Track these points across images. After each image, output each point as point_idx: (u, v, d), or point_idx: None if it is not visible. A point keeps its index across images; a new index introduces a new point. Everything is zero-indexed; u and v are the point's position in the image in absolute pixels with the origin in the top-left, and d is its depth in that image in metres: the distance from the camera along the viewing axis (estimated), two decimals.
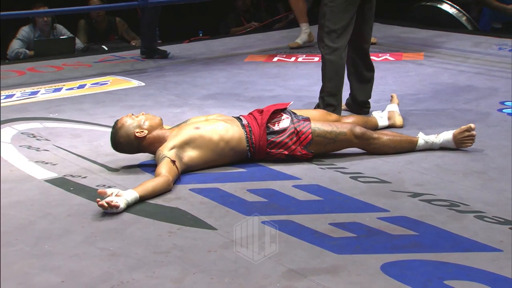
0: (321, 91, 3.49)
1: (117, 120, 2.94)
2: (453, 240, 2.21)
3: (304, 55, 5.55)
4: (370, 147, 2.99)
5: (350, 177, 2.78)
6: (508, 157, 2.96)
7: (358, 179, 2.76)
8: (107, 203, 2.39)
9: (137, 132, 2.86)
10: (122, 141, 2.88)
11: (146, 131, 2.86)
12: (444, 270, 2.01)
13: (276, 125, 2.94)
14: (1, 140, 3.38)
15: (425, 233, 2.26)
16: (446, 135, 3.04)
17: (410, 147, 3.04)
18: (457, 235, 2.23)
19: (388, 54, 5.45)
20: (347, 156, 3.01)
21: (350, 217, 2.40)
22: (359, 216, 2.40)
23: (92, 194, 2.62)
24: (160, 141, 2.85)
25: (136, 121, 2.89)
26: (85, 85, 4.73)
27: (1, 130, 3.56)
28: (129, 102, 4.19)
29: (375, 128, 3.34)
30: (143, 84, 4.68)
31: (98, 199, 2.41)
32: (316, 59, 5.43)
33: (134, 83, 4.74)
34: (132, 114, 2.95)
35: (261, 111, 3.00)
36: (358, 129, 2.97)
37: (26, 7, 5.81)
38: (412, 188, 2.65)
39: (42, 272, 2.02)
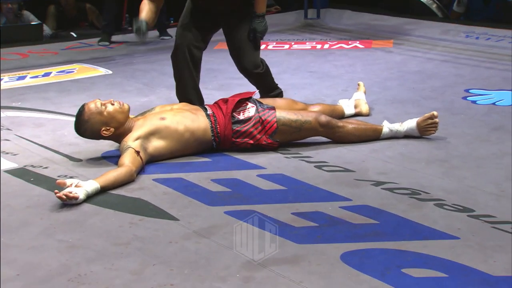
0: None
1: (83, 108, 2.79)
2: (412, 228, 2.23)
3: (274, 43, 5.53)
4: (335, 135, 3.00)
5: (315, 166, 2.79)
6: (470, 145, 2.99)
7: (323, 168, 2.77)
8: (65, 194, 2.36)
9: (103, 131, 2.78)
10: (87, 134, 2.83)
11: (112, 129, 2.78)
12: (403, 258, 2.03)
13: (241, 114, 2.93)
14: None
15: (385, 221, 2.28)
16: (410, 123, 3.06)
17: (375, 136, 3.05)
18: (417, 223, 2.25)
19: (358, 42, 5.47)
20: (312, 145, 3.01)
21: (313, 206, 2.41)
22: (321, 206, 2.41)
23: (52, 185, 2.58)
24: (126, 132, 2.80)
25: (103, 117, 2.76)
26: (51, 73, 4.66)
27: None
28: (95, 90, 4.14)
29: (342, 116, 3.35)
30: (110, 72, 4.63)
31: (56, 191, 2.37)
32: (287, 46, 5.42)
33: (101, 71, 4.68)
34: (99, 100, 2.81)
35: (226, 100, 2.99)
36: (323, 118, 2.97)
37: None
38: (375, 176, 2.66)
39: None
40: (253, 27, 3.25)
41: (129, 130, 2.81)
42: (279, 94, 3.48)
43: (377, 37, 5.62)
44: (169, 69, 3.45)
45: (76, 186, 2.43)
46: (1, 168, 2.80)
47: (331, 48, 5.33)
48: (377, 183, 2.60)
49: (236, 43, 3.31)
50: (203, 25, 3.32)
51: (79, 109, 2.83)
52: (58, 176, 2.68)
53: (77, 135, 2.89)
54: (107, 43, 5.62)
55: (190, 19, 3.31)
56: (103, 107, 2.78)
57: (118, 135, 2.81)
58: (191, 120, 2.85)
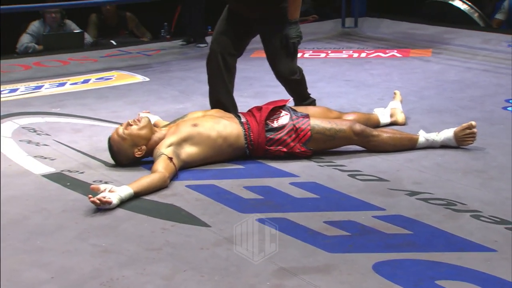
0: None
1: (109, 142, 2.86)
2: (447, 239, 2.18)
3: (311, 51, 5.52)
4: (370, 144, 2.97)
5: (348, 175, 2.77)
6: (509, 156, 2.92)
7: (356, 177, 2.75)
8: (99, 199, 2.39)
9: (136, 153, 2.84)
10: (125, 162, 2.89)
11: (144, 147, 2.84)
12: (436, 269, 1.99)
13: (275, 122, 2.93)
14: (1, 135, 3.40)
15: (419, 232, 2.24)
16: (447, 133, 3.01)
17: (410, 145, 3.01)
18: (452, 235, 2.21)
19: (395, 51, 5.41)
20: (346, 154, 2.99)
21: (345, 215, 2.39)
22: (354, 215, 2.38)
23: (88, 190, 2.61)
24: (157, 142, 2.83)
25: (128, 141, 2.82)
26: (90, 79, 4.74)
27: (1, 124, 3.58)
28: (132, 97, 4.20)
29: (377, 125, 3.32)
30: (147, 79, 4.69)
31: (90, 196, 2.41)
32: (323, 55, 5.41)
33: (138, 78, 4.74)
34: (120, 126, 2.86)
35: (260, 108, 2.99)
36: (358, 126, 2.95)
37: (36, 0, 5.84)
38: (409, 186, 2.63)
39: (32, 268, 2.03)
40: (285, 33, 3.25)
41: (161, 139, 2.84)
42: (312, 103, 3.46)
43: (415, 46, 5.55)
44: (205, 77, 3.48)
45: (110, 191, 2.46)
46: (40, 172, 2.86)
47: (368, 57, 5.29)
48: (412, 193, 2.56)
49: (271, 50, 3.32)
50: (239, 32, 3.33)
51: (108, 144, 2.89)
52: (94, 181, 2.72)
53: None
54: (205, 44, 5.66)
55: (225, 26, 3.33)
56: (125, 131, 2.82)
57: (151, 148, 2.84)
58: (223, 126, 2.87)
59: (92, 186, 2.49)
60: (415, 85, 4.25)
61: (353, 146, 3.01)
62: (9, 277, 1.98)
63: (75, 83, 4.64)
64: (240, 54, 3.41)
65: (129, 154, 2.85)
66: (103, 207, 2.41)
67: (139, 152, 2.84)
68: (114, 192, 2.45)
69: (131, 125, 2.83)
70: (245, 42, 3.41)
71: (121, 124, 2.92)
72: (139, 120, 2.85)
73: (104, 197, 2.41)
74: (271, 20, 3.27)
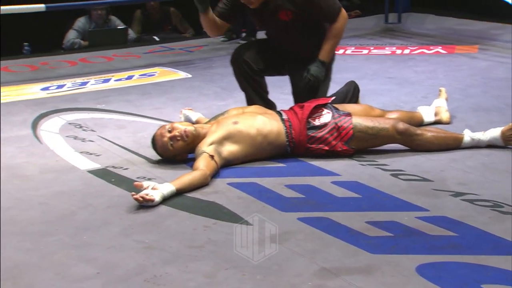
0: None
1: (155, 143, 2.89)
2: (494, 242, 2.14)
3: (353, 48, 5.47)
4: (413, 143, 2.93)
5: (391, 174, 2.73)
6: None
7: (399, 176, 2.71)
8: (141, 197, 2.42)
9: (177, 158, 2.91)
10: (164, 157, 2.94)
11: (184, 155, 2.90)
12: (483, 273, 1.95)
13: (317, 120, 2.92)
14: (49, 130, 3.49)
15: (465, 234, 2.20)
16: (494, 132, 2.95)
17: (455, 144, 2.96)
18: (499, 237, 2.16)
19: (440, 47, 5.32)
20: (389, 153, 2.95)
21: (388, 215, 2.36)
22: (397, 215, 2.36)
23: (132, 186, 2.65)
24: (199, 140, 2.86)
25: (171, 152, 2.86)
26: (133, 76, 4.81)
27: (49, 120, 3.67)
28: (175, 94, 4.24)
29: (420, 124, 3.27)
30: (189, 75, 4.73)
31: (133, 193, 2.45)
32: (365, 51, 5.35)
33: (181, 74, 4.79)
34: (167, 132, 2.85)
35: (302, 106, 2.98)
36: (401, 125, 2.91)
37: None
38: (454, 187, 2.58)
39: (79, 263, 2.07)
40: (308, 67, 3.18)
41: (202, 137, 2.86)
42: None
43: (461, 42, 5.44)
44: None
45: (152, 188, 2.49)
46: (86, 168, 2.92)
47: (411, 53, 5.21)
48: (457, 194, 2.51)
49: (295, 88, 3.31)
50: (268, 55, 3.31)
51: (151, 141, 2.93)
52: (137, 178, 2.77)
53: None
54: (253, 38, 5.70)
55: (259, 44, 3.34)
56: (171, 143, 2.84)
57: (194, 146, 2.86)
58: (263, 123, 2.87)
59: (135, 183, 2.52)
60: (461, 83, 4.17)
61: (396, 145, 2.97)
62: (58, 270, 2.03)
63: (119, 79, 4.71)
64: (262, 72, 3.33)
65: (171, 157, 2.92)
66: (145, 204, 2.44)
67: (179, 158, 2.91)
68: (157, 190, 2.48)
69: (178, 139, 2.83)
70: (271, 68, 3.34)
71: (167, 123, 2.93)
72: (187, 136, 2.83)
73: (147, 195, 2.44)
74: (306, 60, 3.23)
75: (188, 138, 2.83)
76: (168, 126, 2.89)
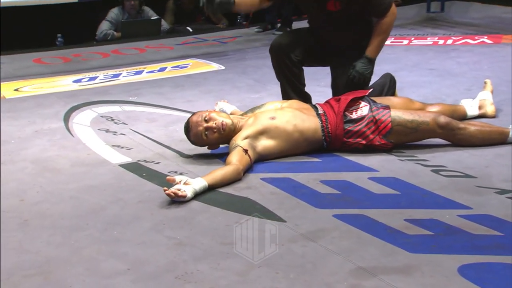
0: None
1: (189, 129, 2.89)
2: None
3: (392, 38, 5.39)
4: (456, 138, 2.87)
5: (432, 170, 2.69)
6: None
7: (440, 172, 2.66)
8: (174, 192, 2.43)
9: (209, 148, 2.93)
10: (195, 145, 2.95)
11: (218, 145, 2.91)
12: None
13: (354, 113, 2.88)
14: (81, 123, 3.53)
15: (510, 233, 2.15)
16: None
17: (500, 139, 2.89)
18: None
19: (486, 37, 5.20)
20: (430, 148, 2.90)
21: (428, 213, 2.32)
22: (438, 213, 2.31)
23: (163, 180, 2.67)
24: (234, 132, 2.86)
25: (205, 141, 2.87)
26: (166, 68, 4.84)
27: (82, 113, 3.72)
28: (208, 86, 4.25)
29: (463, 117, 3.20)
30: (223, 67, 4.73)
31: (166, 188, 2.45)
32: (406, 42, 5.27)
33: (214, 66, 4.80)
34: (202, 126, 2.84)
35: (338, 99, 2.95)
36: (443, 119, 2.85)
37: None
38: (499, 184, 2.52)
39: (109, 259, 2.09)
40: (354, 64, 3.13)
41: (238, 129, 2.85)
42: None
43: (508, 32, 5.30)
44: None
45: (185, 183, 2.49)
46: (117, 162, 2.94)
47: (454, 43, 5.11)
48: (502, 191, 2.45)
49: (336, 82, 3.26)
50: (310, 45, 3.28)
51: (185, 126, 2.93)
52: (169, 172, 2.78)
53: None
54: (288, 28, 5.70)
55: (299, 33, 3.30)
56: (206, 133, 2.84)
57: (228, 138, 2.86)
58: (301, 120, 2.85)
59: (168, 177, 2.53)
60: (507, 74, 4.07)
61: (437, 140, 2.92)
62: (88, 266, 2.05)
63: (152, 71, 4.74)
64: (301, 63, 3.29)
65: (202, 145, 2.93)
66: (177, 200, 2.45)
67: (211, 148, 2.92)
68: (189, 185, 2.49)
69: (214, 131, 2.83)
70: (311, 59, 3.32)
71: (203, 111, 2.91)
72: (223, 129, 2.82)
73: (180, 190, 2.44)
74: (350, 52, 3.18)
75: (225, 132, 2.83)
76: (205, 114, 2.86)
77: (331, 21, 3.18)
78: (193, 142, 2.94)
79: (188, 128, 2.91)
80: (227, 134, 2.84)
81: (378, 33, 3.12)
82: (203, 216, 2.37)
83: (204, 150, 3.04)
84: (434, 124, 2.84)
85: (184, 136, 3.03)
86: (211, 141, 2.87)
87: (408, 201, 2.43)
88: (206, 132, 2.84)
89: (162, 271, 2.02)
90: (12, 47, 5.70)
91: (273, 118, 2.84)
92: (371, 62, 3.13)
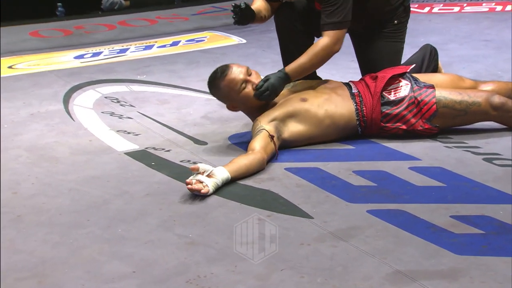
0: None
1: (227, 72, 2.87)
2: None
3: (441, 5, 5.33)
4: None
5: (484, 159, 2.67)
6: None
7: (494, 161, 2.64)
8: (197, 189, 2.43)
9: (229, 107, 2.95)
10: (216, 96, 2.96)
11: (238, 109, 2.94)
12: None
13: (393, 93, 2.86)
14: (82, 105, 3.57)
15: None
16: None
17: None
18: None
19: None
20: (481, 133, 2.89)
21: (478, 209, 2.31)
22: (490, 208, 2.30)
23: (175, 170, 2.70)
24: (254, 112, 2.87)
25: (235, 96, 2.87)
26: (179, 41, 4.86)
27: (84, 93, 3.76)
28: (227, 62, 4.18)
29: None
30: (244, 41, 4.73)
31: (189, 181, 2.45)
32: (457, 9, 5.20)
33: (234, 40, 4.80)
34: (242, 73, 2.86)
35: (375, 77, 2.93)
36: (497, 98, 2.83)
37: None
38: None
39: (112, 260, 2.11)
40: (269, 76, 2.93)
41: (265, 106, 2.86)
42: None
43: None
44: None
45: (208, 176, 2.48)
46: (123, 150, 2.98)
47: None
48: None
49: (369, 63, 3.21)
50: None
51: (221, 69, 2.90)
52: (181, 161, 2.80)
53: (203, 115, 2.98)
54: None
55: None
56: (243, 85, 2.85)
57: (247, 111, 2.91)
58: (334, 105, 2.86)
59: (192, 166, 2.49)
60: None
61: (491, 123, 2.90)
62: (88, 268, 2.07)
63: (163, 46, 4.77)
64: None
65: (224, 100, 2.92)
66: (198, 194, 2.45)
67: (231, 109, 2.95)
68: (212, 178, 2.48)
69: (253, 87, 2.85)
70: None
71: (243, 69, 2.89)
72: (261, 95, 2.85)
73: (203, 187, 2.43)
74: (372, 31, 3.16)
75: (257, 100, 2.86)
76: (249, 69, 2.90)
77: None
78: (217, 90, 2.90)
79: (225, 72, 2.88)
80: (257, 103, 2.85)
81: (308, 53, 2.98)
82: (219, 212, 2.38)
83: (221, 136, 3.04)
84: (487, 104, 2.81)
85: (199, 120, 3.05)
86: (241, 97, 2.86)
87: (456, 194, 2.42)
88: (244, 85, 2.85)
89: (171, 274, 2.03)
90: (5, 17, 5.75)
91: (304, 100, 2.85)
92: (287, 80, 2.98)
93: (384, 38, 3.19)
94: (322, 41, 2.98)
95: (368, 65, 3.19)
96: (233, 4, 3.11)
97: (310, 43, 3.23)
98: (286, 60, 3.22)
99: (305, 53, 2.98)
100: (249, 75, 2.87)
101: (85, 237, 2.26)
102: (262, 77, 2.92)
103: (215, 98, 3.02)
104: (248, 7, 3.12)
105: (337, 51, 3.01)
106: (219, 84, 2.88)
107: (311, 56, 2.96)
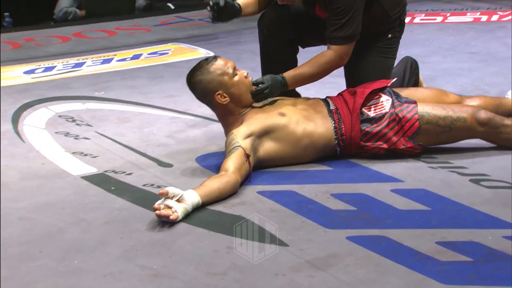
0: None
1: (215, 59, 2.91)
2: None
3: (423, 14, 5.42)
4: (500, 138, 2.91)
5: (470, 180, 2.70)
6: None
7: (481, 182, 2.68)
8: (165, 215, 2.42)
9: (217, 95, 2.88)
10: (198, 87, 2.92)
11: (228, 99, 2.89)
12: None
13: (373, 109, 2.90)
14: (34, 125, 3.55)
15: None
16: None
17: None
18: None
19: None
20: (468, 152, 2.93)
21: (465, 234, 2.33)
22: (478, 234, 2.32)
23: (137, 195, 2.70)
24: (234, 115, 2.89)
25: (226, 82, 2.87)
26: (141, 55, 4.87)
27: (35, 111, 3.73)
28: None
29: (511, 113, 3.21)
30: (211, 53, 4.75)
31: (156, 206, 2.44)
32: (440, 19, 5.29)
33: (200, 52, 4.83)
34: (233, 65, 2.92)
35: (353, 92, 2.96)
36: (483, 114, 2.88)
37: None
38: None
39: None
40: (270, 76, 3.01)
41: (239, 118, 2.89)
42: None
43: None
44: None
45: (177, 200, 2.48)
46: (79, 173, 2.97)
47: (501, 20, 5.14)
48: None
49: (358, 77, 3.23)
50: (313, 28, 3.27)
51: (210, 57, 2.93)
52: (144, 185, 2.80)
53: (168, 134, 2.98)
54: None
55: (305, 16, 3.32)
56: (235, 71, 2.90)
57: (229, 111, 2.90)
58: (314, 124, 2.89)
59: (161, 190, 2.47)
60: None
61: (477, 141, 2.94)
62: None
63: (123, 59, 4.77)
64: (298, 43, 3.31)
65: (212, 88, 2.88)
66: (164, 220, 2.45)
67: (220, 99, 2.88)
68: (182, 204, 2.47)
69: (246, 77, 2.92)
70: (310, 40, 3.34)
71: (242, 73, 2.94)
72: (246, 77, 2.90)
73: (173, 211, 2.43)
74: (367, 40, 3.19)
75: (247, 81, 2.91)
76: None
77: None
78: (206, 75, 2.88)
79: (213, 59, 2.92)
80: (248, 101, 2.90)
81: (311, 63, 3.03)
82: (185, 240, 2.38)
83: (188, 156, 3.05)
84: (473, 120, 2.86)
85: (164, 140, 3.06)
86: (235, 82, 2.88)
87: (441, 219, 2.44)
88: (236, 71, 2.90)
89: None
90: None
91: (282, 115, 2.87)
92: (284, 86, 3.03)
93: (377, 53, 3.23)
94: (328, 54, 3.04)
95: (356, 80, 3.21)
96: (210, 3, 3.09)
97: (294, 54, 3.27)
98: (266, 72, 3.24)
99: (308, 62, 3.04)
100: (235, 68, 2.93)
101: (38, 271, 2.23)
102: None
103: (181, 114, 3.02)
104: (228, 4, 3.11)
105: (342, 66, 3.07)
106: (209, 68, 2.89)
107: (314, 67, 3.02)
